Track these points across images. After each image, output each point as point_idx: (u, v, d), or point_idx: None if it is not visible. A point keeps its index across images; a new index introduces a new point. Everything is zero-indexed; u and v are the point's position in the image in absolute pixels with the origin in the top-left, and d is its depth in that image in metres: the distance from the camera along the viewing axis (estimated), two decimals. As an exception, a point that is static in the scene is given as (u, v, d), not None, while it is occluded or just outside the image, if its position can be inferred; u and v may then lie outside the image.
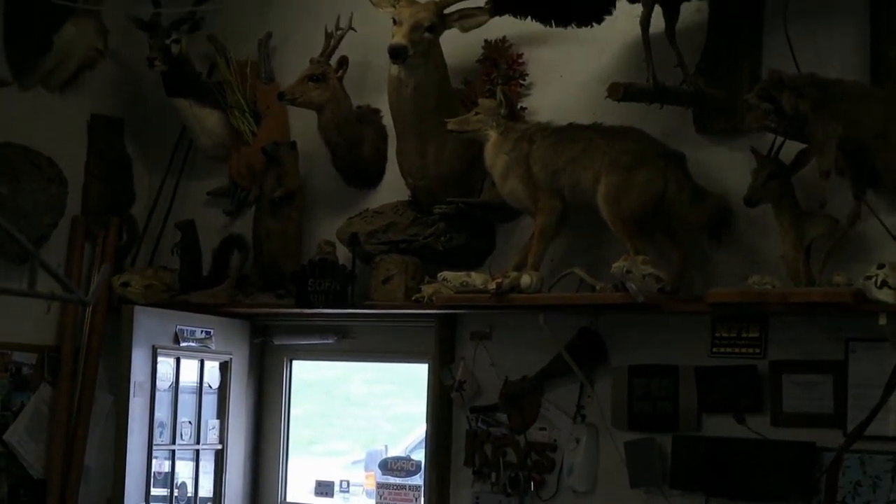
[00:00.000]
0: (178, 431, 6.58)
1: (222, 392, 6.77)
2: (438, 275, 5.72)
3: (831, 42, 5.25)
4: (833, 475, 5.02)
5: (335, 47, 6.28)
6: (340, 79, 6.25)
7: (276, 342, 6.89)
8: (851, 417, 5.07)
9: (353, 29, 6.27)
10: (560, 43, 5.85)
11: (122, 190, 7.05)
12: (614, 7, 5.48)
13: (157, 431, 6.44)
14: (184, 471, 6.67)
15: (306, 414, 7.74)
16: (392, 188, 6.33)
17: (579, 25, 5.59)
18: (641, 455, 5.58)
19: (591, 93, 5.70)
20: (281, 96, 6.23)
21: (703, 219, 5.33)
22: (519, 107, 5.87)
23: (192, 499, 6.70)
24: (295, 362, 6.99)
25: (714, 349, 5.44)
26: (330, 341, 6.68)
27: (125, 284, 6.61)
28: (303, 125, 6.54)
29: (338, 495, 6.96)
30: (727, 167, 5.40)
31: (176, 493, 6.62)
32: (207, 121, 6.77)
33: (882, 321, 4.79)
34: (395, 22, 5.76)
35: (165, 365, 6.50)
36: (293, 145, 6.49)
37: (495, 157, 5.60)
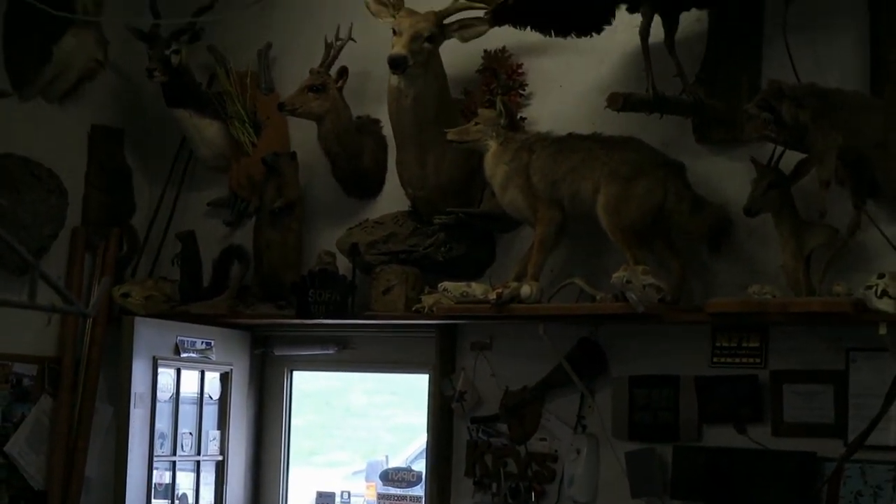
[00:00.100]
0: (178, 442, 6.57)
1: (223, 403, 6.77)
2: (439, 285, 5.72)
3: (831, 52, 5.25)
4: (834, 485, 5.02)
5: (335, 58, 6.28)
6: (340, 89, 6.25)
7: (277, 353, 6.88)
8: (852, 427, 5.07)
9: (352, 39, 6.27)
10: (560, 53, 5.86)
11: (122, 201, 7.04)
12: (614, 17, 5.47)
13: (157, 442, 6.44)
14: (185, 482, 6.66)
15: (307, 424, 7.75)
16: (392, 198, 6.33)
17: (579, 35, 5.59)
18: (642, 465, 5.58)
19: (590, 103, 5.70)
20: (281, 107, 6.23)
21: (703, 229, 5.34)
22: (518, 117, 5.87)
23: (193, 510, 6.71)
24: (295, 373, 6.98)
25: (714, 359, 5.44)
26: (330, 352, 6.68)
27: (125, 295, 6.61)
28: (303, 135, 6.54)
29: (339, 506, 6.96)
30: (727, 177, 5.40)
31: (177, 504, 6.63)
32: (207, 131, 6.76)
33: (882, 331, 4.79)
34: (394, 32, 5.77)
35: (166, 376, 6.49)
36: (293, 156, 6.49)
37: (495, 167, 5.60)
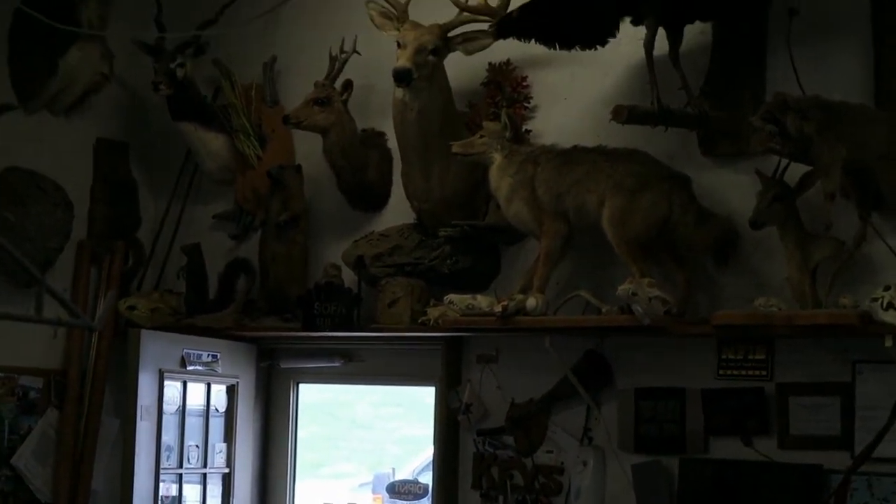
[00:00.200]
0: (185, 455, 6.57)
1: (229, 415, 6.76)
2: (444, 297, 5.73)
3: (835, 64, 5.25)
4: (841, 498, 5.02)
5: (339, 71, 6.29)
6: (345, 102, 6.25)
7: (283, 365, 6.89)
8: (859, 439, 5.05)
9: (357, 52, 6.28)
10: (564, 66, 5.85)
11: (127, 214, 7.05)
12: (618, 30, 5.47)
13: (164, 455, 6.43)
14: (191, 494, 6.65)
15: (313, 437, 7.74)
16: (397, 211, 6.33)
17: (583, 48, 5.58)
18: (648, 478, 5.57)
19: (595, 115, 5.71)
20: (286, 120, 6.24)
21: (709, 241, 5.34)
22: (523, 129, 5.87)
23: (200, 523, 6.71)
24: (301, 385, 6.99)
25: (720, 371, 5.42)
26: (336, 364, 6.68)
27: (131, 308, 6.62)
28: (308, 148, 6.53)
29: (345, 518, 6.97)
30: (732, 189, 5.40)
31: (183, 517, 6.63)
32: (212, 144, 6.77)
33: (888, 343, 4.78)
34: (399, 45, 5.77)
35: (172, 388, 6.49)
36: (298, 169, 6.48)
37: (500, 179, 5.61)
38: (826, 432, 5.19)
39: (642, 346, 5.61)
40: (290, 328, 6.39)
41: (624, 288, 5.14)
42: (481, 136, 5.65)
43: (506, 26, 5.56)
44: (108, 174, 6.97)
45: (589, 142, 5.59)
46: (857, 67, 5.21)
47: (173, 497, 6.54)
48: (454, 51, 5.83)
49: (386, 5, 5.89)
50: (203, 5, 6.71)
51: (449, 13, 5.78)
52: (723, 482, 5.36)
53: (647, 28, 5.20)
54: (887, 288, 4.79)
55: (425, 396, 6.45)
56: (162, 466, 6.41)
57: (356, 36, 6.26)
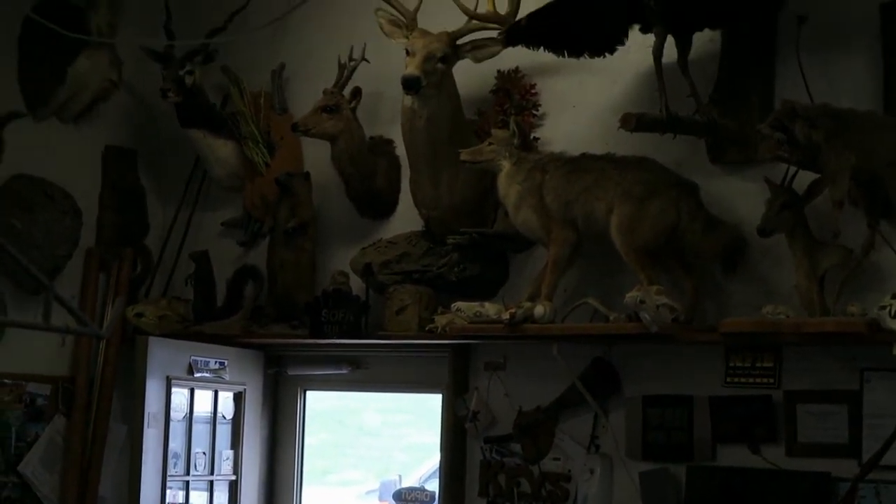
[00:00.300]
0: (192, 462, 6.58)
1: (236, 422, 6.77)
2: (452, 305, 5.71)
3: (844, 72, 5.25)
4: (848, 505, 5.02)
5: (348, 78, 6.30)
6: (354, 109, 6.26)
7: (290, 372, 6.89)
8: (866, 447, 5.04)
9: (366, 60, 6.29)
10: (573, 73, 5.86)
11: (135, 221, 7.07)
12: (627, 37, 5.47)
13: (171, 462, 6.44)
14: (198, 501, 6.65)
15: (320, 444, 7.76)
16: (405, 218, 6.34)
17: (592, 56, 5.58)
18: (656, 485, 5.56)
19: (603, 123, 5.70)
20: (294, 127, 6.25)
21: (717, 249, 5.33)
22: (532, 137, 5.88)
23: (207, 530, 6.71)
24: (309, 392, 6.99)
25: (728, 379, 5.41)
26: (344, 371, 6.68)
27: (139, 315, 6.63)
28: (316, 156, 6.55)
29: (352, 525, 6.97)
30: (740, 197, 5.40)
31: (190, 524, 6.63)
32: (221, 151, 6.78)
33: (896, 351, 4.78)
34: (407, 53, 5.78)
35: (179, 395, 6.50)
36: (306, 176, 6.50)
37: (508, 187, 5.61)
38: (834, 440, 5.18)
39: (650, 354, 5.61)
40: (298, 335, 6.40)
41: (632, 295, 5.14)
42: (490, 144, 5.65)
43: (515, 34, 5.57)
44: (116, 181, 6.99)
45: (597, 149, 5.60)
46: (866, 75, 5.20)
47: (180, 504, 6.57)
48: (463, 58, 5.83)
49: (395, 13, 5.89)
50: (212, 13, 6.74)
51: (458, 21, 5.77)
52: (730, 490, 5.36)
53: (656, 36, 5.20)
54: (895, 296, 4.77)
55: (433, 404, 6.45)
56: (169, 473, 6.42)
57: (365, 43, 6.27)
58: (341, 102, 6.22)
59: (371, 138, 6.41)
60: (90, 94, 6.74)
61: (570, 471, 5.83)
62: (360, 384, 6.87)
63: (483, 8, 5.73)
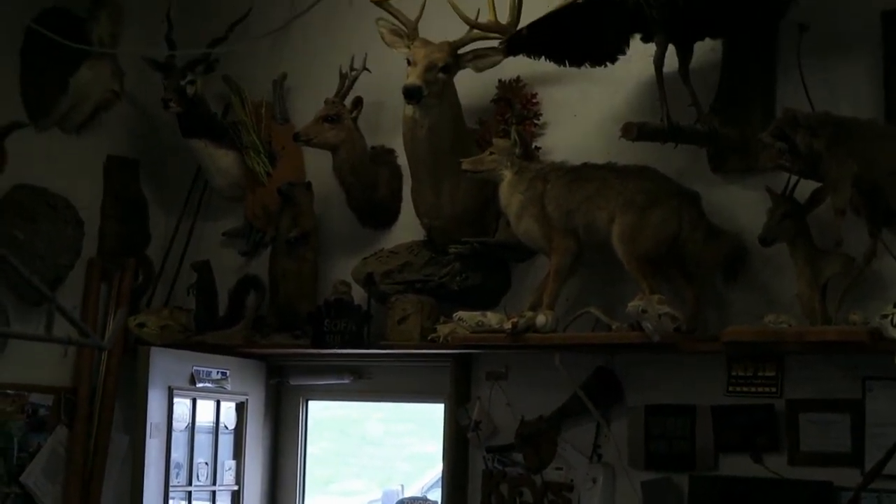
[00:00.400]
0: (194, 472, 6.57)
1: (238, 433, 6.76)
2: (454, 315, 5.70)
3: (845, 80, 5.25)
4: (851, 515, 5.02)
5: (350, 88, 6.31)
6: (355, 119, 6.27)
7: (293, 382, 6.88)
8: (869, 456, 5.04)
9: (367, 69, 6.31)
10: (574, 83, 5.86)
11: (137, 231, 7.08)
12: (628, 47, 5.48)
13: (173, 472, 6.43)
14: (200, 512, 6.68)
15: (323, 453, 7.75)
16: (407, 228, 6.34)
17: (593, 65, 5.59)
18: (658, 494, 5.56)
19: (605, 132, 5.71)
20: (296, 137, 6.25)
21: (718, 258, 5.34)
22: (533, 146, 5.88)
23: (210, 540, 6.71)
24: (311, 402, 6.99)
25: (730, 388, 5.41)
26: (346, 381, 6.67)
27: (141, 325, 6.64)
28: (318, 165, 6.55)
29: (355, 535, 6.97)
30: (742, 206, 5.40)
31: (193, 535, 6.63)
32: (223, 161, 6.79)
33: (899, 360, 4.77)
34: (409, 62, 5.78)
35: (182, 406, 6.49)
36: (308, 186, 6.50)
37: (510, 196, 5.61)
38: (836, 449, 5.18)
39: (652, 363, 5.61)
40: (300, 345, 6.39)
41: (634, 305, 5.14)
42: (491, 153, 5.65)
43: (516, 43, 5.57)
44: (118, 191, 7.00)
45: (599, 159, 5.60)
46: (868, 83, 5.21)
47: (183, 514, 6.57)
48: (464, 68, 5.84)
49: (396, 23, 5.90)
50: (213, 23, 6.76)
51: (459, 31, 5.78)
52: (733, 499, 5.35)
53: (658, 45, 5.20)
54: (898, 304, 4.78)
55: (435, 413, 6.45)
56: (171, 484, 6.41)
57: (366, 53, 6.29)
58: (343, 112, 6.23)
59: (372, 148, 6.41)
60: (92, 105, 6.76)
61: (572, 480, 5.82)
62: (362, 394, 6.87)
63: (484, 17, 5.72)
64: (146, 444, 6.28)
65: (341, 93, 6.30)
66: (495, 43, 5.73)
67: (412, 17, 5.88)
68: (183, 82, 6.53)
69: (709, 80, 5.48)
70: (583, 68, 5.62)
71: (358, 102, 6.28)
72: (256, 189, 6.78)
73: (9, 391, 6.45)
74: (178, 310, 6.82)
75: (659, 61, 5.19)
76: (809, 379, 5.26)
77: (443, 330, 5.83)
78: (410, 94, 5.69)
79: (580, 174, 5.52)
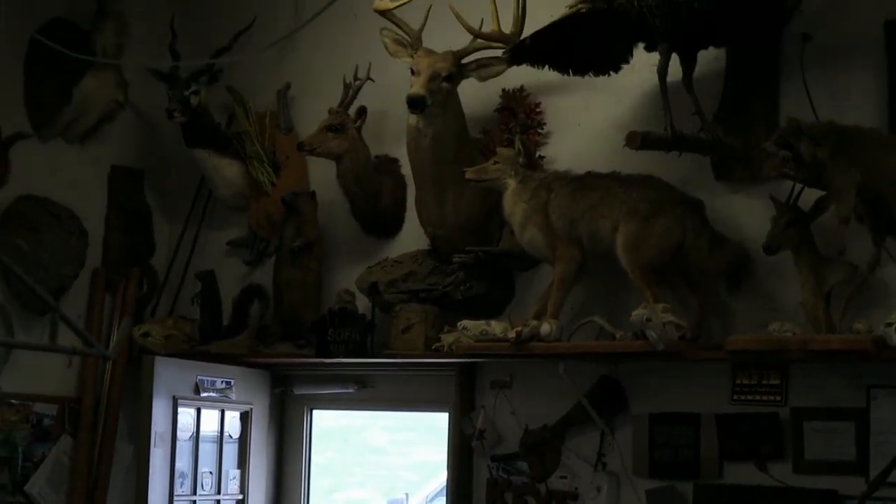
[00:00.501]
0: (199, 481, 6.57)
1: (243, 442, 6.77)
2: (458, 323, 5.73)
3: (848, 89, 5.27)
4: (856, 523, 5.03)
5: (353, 97, 6.32)
6: (359, 129, 6.28)
7: (297, 392, 6.89)
8: (874, 464, 5.05)
9: (371, 79, 6.32)
10: (578, 92, 5.88)
11: (141, 241, 7.09)
12: (632, 56, 5.49)
13: (177, 481, 6.43)
14: (205, 521, 6.69)
15: (327, 462, 7.74)
16: (411, 237, 6.35)
17: (597, 74, 5.60)
18: (663, 503, 5.57)
19: (609, 141, 5.72)
20: (300, 146, 6.27)
21: (722, 266, 5.35)
22: (537, 155, 5.88)
23: (215, 549, 6.72)
24: (315, 411, 7.00)
25: (735, 396, 5.42)
26: (350, 390, 6.68)
27: (145, 335, 6.64)
28: (322, 175, 6.57)
29: (360, 543, 6.97)
30: (746, 214, 5.41)
31: (198, 544, 6.64)
32: (227, 171, 6.80)
33: (903, 367, 4.78)
34: (412, 72, 5.79)
35: (186, 415, 6.50)
36: (312, 195, 6.52)
37: (514, 205, 5.62)
38: (841, 457, 5.19)
39: (656, 372, 5.62)
40: (304, 354, 6.40)
41: (638, 313, 5.15)
42: (495, 163, 5.66)
43: (519, 53, 5.57)
44: (122, 201, 7.01)
45: (602, 167, 5.60)
46: (871, 93, 5.22)
47: (187, 523, 6.57)
48: (468, 77, 5.85)
49: (400, 32, 5.91)
50: (217, 33, 6.80)
51: (462, 40, 5.79)
52: (737, 507, 5.38)
53: (661, 54, 5.21)
54: (901, 312, 4.79)
55: (439, 422, 6.45)
56: (176, 493, 6.41)
57: (370, 63, 6.30)
58: (346, 122, 6.24)
59: (376, 157, 6.42)
60: (96, 115, 6.78)
61: (576, 489, 5.83)
62: (366, 403, 6.88)
63: (488, 27, 5.73)
64: (150, 454, 6.28)
65: (345, 102, 6.31)
66: (499, 52, 5.74)
67: (416, 26, 5.89)
68: (187, 92, 6.55)
69: (712, 89, 5.50)
70: (586, 77, 5.63)
71: (362, 112, 6.29)
72: (260, 198, 6.80)
73: (13, 401, 6.46)
74: (182, 319, 6.83)
75: (662, 70, 5.20)
76: (814, 387, 5.27)
77: (447, 339, 5.82)
78: (414, 103, 5.70)
79: (584, 183, 5.53)
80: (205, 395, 6.53)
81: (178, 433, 6.44)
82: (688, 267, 5.37)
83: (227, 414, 6.71)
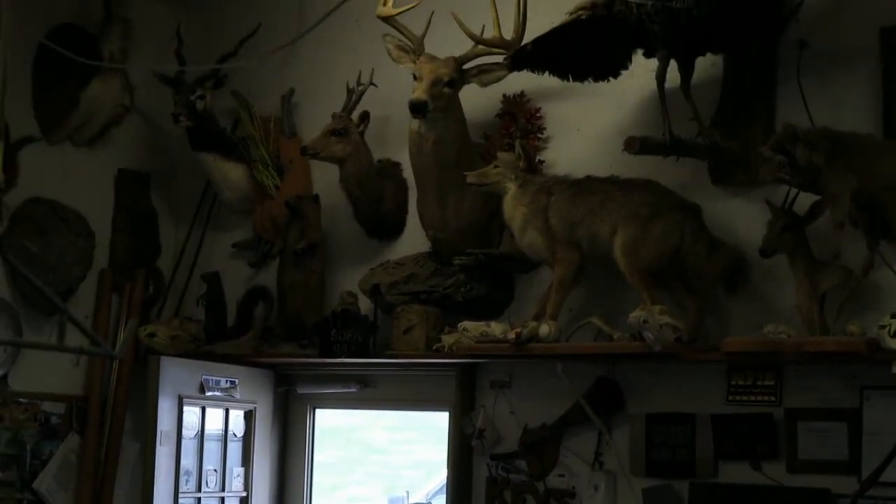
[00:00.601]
0: (203, 479, 6.63)
1: (247, 440, 6.82)
2: (459, 325, 5.78)
3: (844, 96, 5.32)
4: (848, 521, 5.07)
5: (356, 102, 6.37)
6: (362, 133, 6.32)
7: (300, 391, 6.93)
8: (866, 464, 5.09)
9: (374, 84, 6.36)
10: (577, 97, 5.92)
11: (148, 243, 7.14)
12: (630, 62, 5.54)
13: (183, 479, 6.49)
14: (209, 518, 6.74)
15: (329, 460, 7.78)
16: (413, 240, 6.39)
17: (596, 80, 5.65)
18: (659, 501, 5.62)
19: (608, 146, 5.77)
20: (304, 151, 6.31)
21: (719, 269, 5.40)
22: (537, 160, 5.94)
23: (219, 546, 6.77)
24: (318, 410, 7.04)
25: (730, 397, 5.46)
26: (352, 390, 6.72)
27: (152, 335, 6.68)
28: (325, 179, 6.61)
29: (361, 541, 7.00)
30: (742, 219, 5.46)
31: (202, 541, 6.69)
32: (232, 174, 6.84)
33: (896, 370, 4.83)
34: (415, 77, 5.83)
35: (191, 414, 6.56)
36: (316, 198, 6.56)
37: (514, 209, 5.66)
38: (834, 457, 5.23)
39: (653, 373, 5.66)
40: (307, 355, 6.45)
41: (635, 315, 5.20)
42: (496, 167, 5.69)
43: (520, 59, 5.60)
44: (129, 204, 7.05)
45: (601, 172, 5.65)
46: (866, 99, 5.27)
47: (192, 521, 6.62)
48: (469, 83, 5.88)
49: (402, 38, 5.94)
50: (222, 38, 6.83)
51: (464, 46, 5.83)
52: (732, 506, 5.42)
53: (659, 60, 5.26)
54: (894, 315, 4.83)
55: (440, 421, 6.49)
56: (181, 490, 6.47)
57: (373, 69, 6.34)
58: (350, 126, 6.28)
59: (379, 161, 6.46)
60: (103, 119, 6.82)
61: (574, 487, 5.87)
62: (368, 402, 6.93)
63: (489, 33, 5.77)
64: (156, 452, 6.34)
65: (348, 107, 6.36)
66: (500, 58, 5.77)
67: (418, 32, 5.92)
68: (193, 97, 6.58)
69: (710, 95, 5.54)
70: (586, 83, 5.68)
71: (365, 117, 6.33)
72: (265, 202, 6.84)
73: (22, 399, 6.51)
74: (187, 320, 6.88)
75: (661, 76, 5.25)
76: (808, 388, 5.31)
77: (448, 340, 5.86)
78: (416, 108, 5.73)
79: (583, 187, 5.57)
80: (210, 394, 6.58)
81: (184, 431, 6.50)
82: (685, 270, 5.42)
83: (232, 413, 6.76)
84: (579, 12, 5.32)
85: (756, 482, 5.38)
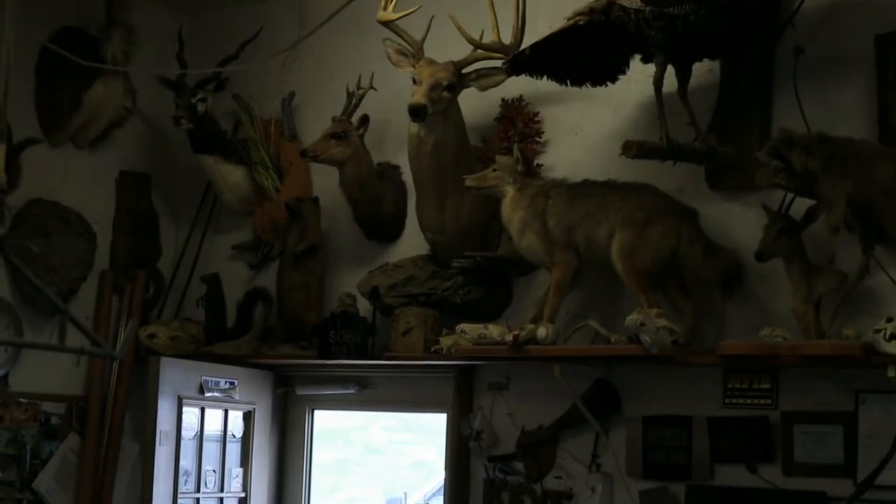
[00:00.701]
0: (202, 479, 6.64)
1: (246, 441, 6.84)
2: (457, 327, 5.77)
3: (840, 101, 5.34)
4: (843, 524, 5.09)
5: (356, 106, 6.39)
6: (362, 136, 6.34)
7: (299, 392, 6.94)
8: (861, 467, 5.11)
9: (373, 88, 6.39)
10: (575, 102, 5.95)
11: (148, 244, 7.16)
12: (628, 67, 5.57)
13: (182, 479, 6.50)
14: (208, 518, 6.76)
15: (328, 461, 7.78)
16: (412, 243, 6.41)
17: (594, 85, 5.67)
18: (656, 503, 5.66)
19: (605, 150, 5.79)
20: (303, 153, 6.32)
21: (716, 273, 5.40)
22: (535, 164, 5.95)
23: (217, 546, 6.79)
24: (317, 411, 7.05)
25: (726, 400, 5.48)
26: (351, 391, 6.73)
27: (152, 336, 6.70)
28: (325, 181, 6.63)
29: (359, 542, 7.01)
30: (739, 223, 5.48)
31: (201, 540, 6.70)
32: (232, 177, 6.86)
33: (891, 373, 4.84)
34: (414, 81, 5.85)
35: (190, 414, 6.57)
36: (315, 201, 6.59)
37: (512, 212, 5.67)
38: (829, 460, 5.25)
39: (650, 375, 5.68)
40: (306, 356, 6.46)
41: (632, 318, 5.21)
42: (494, 170, 5.71)
43: (519, 63, 5.61)
44: (130, 205, 7.07)
45: (599, 176, 5.67)
46: (861, 105, 5.29)
47: (191, 520, 6.64)
48: (468, 87, 5.91)
49: (402, 43, 5.95)
50: (224, 42, 6.85)
51: (463, 50, 5.85)
52: (728, 508, 5.44)
53: (657, 66, 5.27)
54: (890, 319, 4.84)
55: (437, 423, 6.51)
56: (180, 490, 6.48)
57: (373, 72, 6.37)
58: (349, 129, 6.30)
59: (378, 164, 6.48)
60: (105, 121, 6.83)
61: (571, 489, 5.89)
62: (366, 404, 6.93)
63: (488, 38, 5.79)
64: (156, 452, 6.35)
65: (348, 111, 6.38)
66: (499, 63, 5.79)
67: (418, 37, 5.94)
68: (194, 100, 6.61)
69: (707, 100, 5.57)
70: (584, 88, 5.70)
71: (364, 120, 6.35)
72: (265, 204, 6.86)
73: (22, 399, 6.52)
74: (187, 321, 6.91)
75: (658, 81, 5.27)
76: (804, 391, 5.33)
77: (446, 342, 5.89)
78: (415, 112, 5.76)
79: (581, 191, 5.59)
80: (209, 395, 6.60)
81: (183, 432, 6.51)
82: (682, 274, 5.43)
83: (231, 413, 6.78)
84: (578, 18, 5.34)
85: (752, 485, 5.40)
